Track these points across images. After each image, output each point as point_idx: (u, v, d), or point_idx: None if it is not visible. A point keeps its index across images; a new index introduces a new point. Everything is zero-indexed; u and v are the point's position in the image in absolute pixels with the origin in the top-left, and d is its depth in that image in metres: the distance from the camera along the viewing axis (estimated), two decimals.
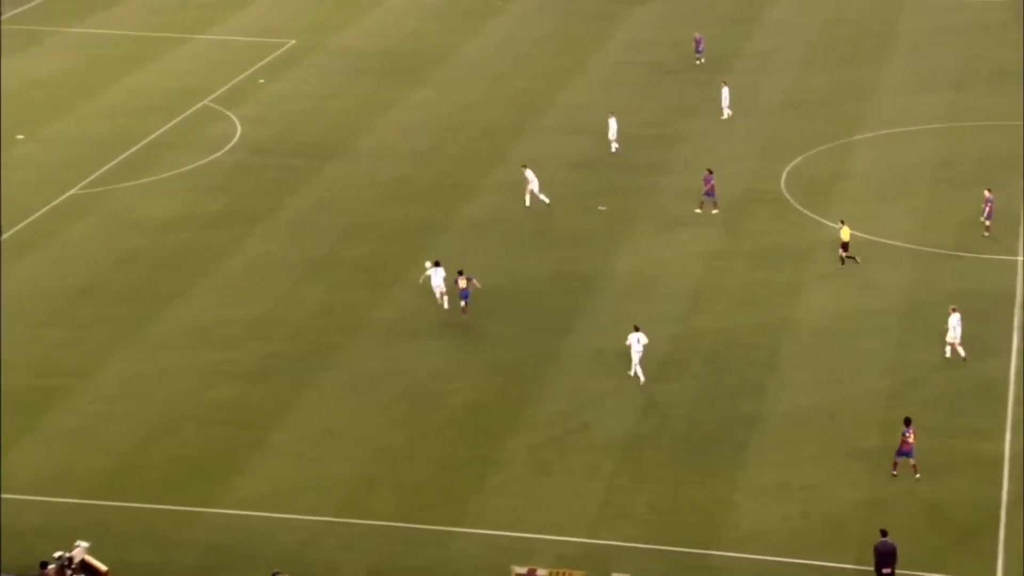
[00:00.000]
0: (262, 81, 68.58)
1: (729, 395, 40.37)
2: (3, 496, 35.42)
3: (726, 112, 62.82)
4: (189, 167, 57.52)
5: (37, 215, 52.29)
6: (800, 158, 58.16)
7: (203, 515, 35.08)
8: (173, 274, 47.80)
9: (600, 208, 53.12)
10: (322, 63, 71.79)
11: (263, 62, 71.59)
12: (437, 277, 45.06)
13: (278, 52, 73.30)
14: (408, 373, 41.64)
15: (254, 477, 36.56)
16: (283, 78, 69.19)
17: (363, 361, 42.37)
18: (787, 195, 54.29)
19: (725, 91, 63.11)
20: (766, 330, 43.91)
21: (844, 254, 47.25)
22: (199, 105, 64.93)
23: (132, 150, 58.99)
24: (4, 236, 50.32)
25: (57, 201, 53.71)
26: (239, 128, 62.03)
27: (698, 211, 52.19)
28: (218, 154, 58.99)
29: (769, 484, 36.20)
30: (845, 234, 47.30)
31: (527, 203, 52.90)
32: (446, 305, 45.08)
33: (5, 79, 68.60)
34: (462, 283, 44.57)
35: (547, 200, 53.16)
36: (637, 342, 40.82)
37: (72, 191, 54.72)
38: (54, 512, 35.09)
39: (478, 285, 44.84)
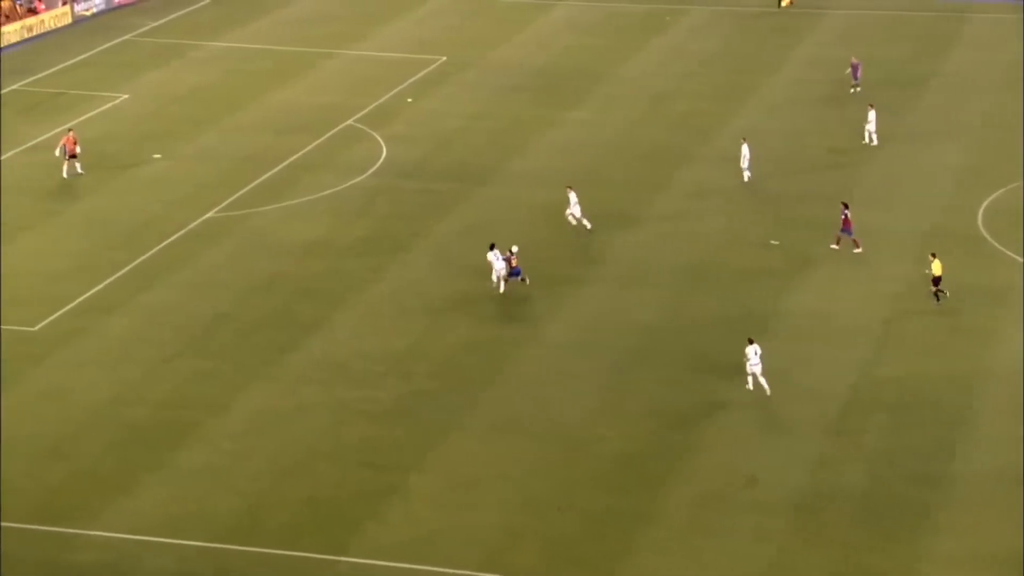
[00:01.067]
0: (410, 100, 69.20)
1: (914, 452, 39.06)
2: (126, 537, 35.87)
3: (871, 137, 61.61)
4: (331, 190, 58.19)
5: (172, 239, 53.34)
6: (1001, 191, 56.43)
7: (336, 564, 35.07)
8: (311, 303, 48.26)
9: (773, 242, 52.17)
10: (474, 80, 72.19)
11: (412, 79, 72.29)
12: (498, 262, 47.77)
13: (428, 69, 73.97)
14: (557, 416, 41.24)
15: (391, 524, 36.48)
16: (432, 96, 69.74)
17: (509, 402, 42.10)
18: (984, 232, 52.66)
19: (872, 115, 61.90)
20: (957, 381, 42.49)
21: (935, 289, 46.79)
22: (343, 124, 65.77)
23: (272, 171, 59.90)
24: (137, 261, 51.37)
25: (193, 224, 54.76)
26: (384, 149, 62.61)
27: (834, 247, 51.07)
28: (362, 176, 59.57)
29: (959, 553, 34.87)
30: (937, 268, 46.85)
31: (574, 222, 52.84)
32: (502, 288, 47.63)
33: (144, 93, 70.42)
34: (514, 262, 47.16)
35: (589, 225, 52.74)
36: (755, 354, 41.20)
37: (209, 214, 55.75)
38: (179, 556, 35.43)
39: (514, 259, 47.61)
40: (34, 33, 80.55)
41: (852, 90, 66.62)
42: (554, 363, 44.29)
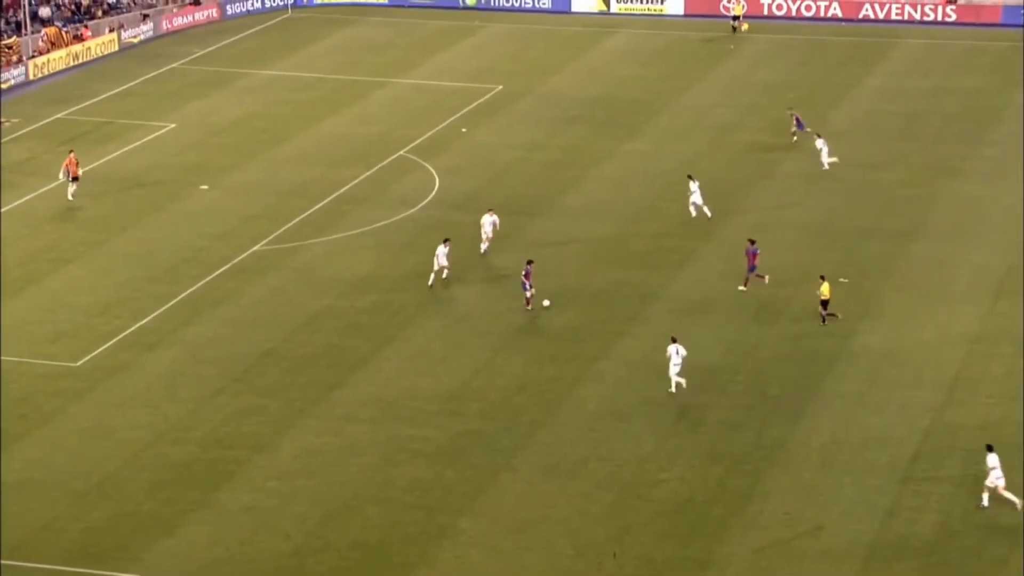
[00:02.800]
0: (464, 130, 69.54)
1: (990, 502, 38.61)
2: None
3: (825, 163, 62.03)
4: (381, 223, 58.52)
5: (218, 272, 53.78)
6: None
7: None
8: (359, 340, 48.50)
9: (842, 280, 51.93)
10: (529, 111, 72.49)
11: (466, 109, 72.69)
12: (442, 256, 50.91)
13: (483, 98, 74.35)
14: (613, 458, 41.17)
15: (441, 568, 36.49)
16: (487, 127, 70.08)
17: (564, 443, 42.08)
18: None
19: (819, 143, 62.43)
20: None
21: (824, 312, 48.14)
22: (395, 155, 66.20)
23: (321, 203, 60.33)
24: (182, 295, 51.84)
25: (239, 258, 55.21)
26: (437, 181, 62.93)
27: (742, 288, 50.94)
28: (413, 209, 59.89)
29: None
30: (825, 291, 47.91)
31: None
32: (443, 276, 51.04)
33: (191, 122, 71.21)
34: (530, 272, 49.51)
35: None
36: (676, 354, 42.93)
37: (256, 247, 56.22)
38: None
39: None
40: (80, 61, 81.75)
41: (795, 138, 64.78)
42: (610, 403, 44.25)
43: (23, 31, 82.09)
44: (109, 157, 66.33)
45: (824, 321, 48.45)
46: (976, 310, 49.27)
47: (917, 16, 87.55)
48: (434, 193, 61.58)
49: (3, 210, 60.13)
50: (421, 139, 68.22)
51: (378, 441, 42.20)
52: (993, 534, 37.25)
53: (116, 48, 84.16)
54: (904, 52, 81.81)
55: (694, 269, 53.72)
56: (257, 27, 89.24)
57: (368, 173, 63.99)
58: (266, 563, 36.63)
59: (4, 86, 76.48)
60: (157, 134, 69.77)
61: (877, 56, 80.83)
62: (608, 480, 40.07)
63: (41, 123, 71.61)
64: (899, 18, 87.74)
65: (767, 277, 51.40)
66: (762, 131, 68.89)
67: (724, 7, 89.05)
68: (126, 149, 67.63)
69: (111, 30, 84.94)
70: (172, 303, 51.23)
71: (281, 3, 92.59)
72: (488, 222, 54.50)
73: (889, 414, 43.25)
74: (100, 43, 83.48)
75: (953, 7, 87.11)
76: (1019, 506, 38.08)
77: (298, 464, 41.06)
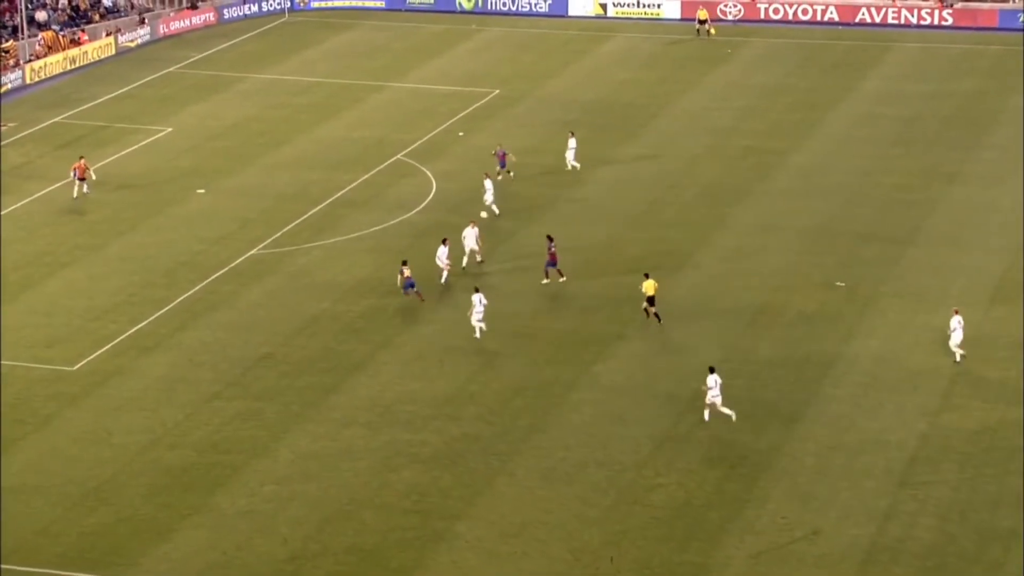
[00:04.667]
0: (461, 134, 69.56)
1: (987, 505, 38.65)
2: None
3: (571, 164, 62.80)
4: (378, 227, 58.53)
5: (214, 276, 53.77)
6: None
7: None
8: (356, 344, 48.49)
9: (838, 284, 51.97)
10: (526, 115, 72.52)
11: (463, 113, 72.71)
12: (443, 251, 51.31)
13: (480, 102, 74.38)
14: (610, 462, 41.17)
15: (438, 573, 36.46)
16: (484, 130, 70.09)
17: (561, 447, 42.07)
18: None
19: (572, 142, 62.93)
20: None
21: (652, 309, 48.71)
22: (392, 159, 66.21)
23: (318, 207, 60.33)
24: (179, 299, 51.83)
25: (236, 262, 55.20)
26: (434, 184, 62.94)
27: (545, 281, 51.93)
28: (410, 213, 59.89)
29: None
30: (649, 288, 48.46)
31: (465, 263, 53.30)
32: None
33: (187, 126, 71.21)
34: (407, 272, 49.76)
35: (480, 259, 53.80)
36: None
37: (252, 251, 56.21)
38: None
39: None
40: (77, 65, 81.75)
41: (499, 176, 61.73)
42: (607, 407, 44.25)
43: (20, 35, 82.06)
44: (106, 161, 66.30)
45: (648, 316, 48.82)
46: (972, 314, 49.28)
47: (914, 20, 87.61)
48: (431, 197, 61.59)
49: (1, 213, 60.13)
50: (418, 143, 68.24)
51: (375, 445, 42.19)
52: (990, 538, 37.26)
53: (113, 52, 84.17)
54: (901, 56, 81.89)
55: (690, 273, 53.73)
56: (254, 31, 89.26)
57: (365, 177, 64.00)
58: (263, 568, 36.62)
59: (1, 90, 76.45)
60: (154, 138, 69.78)
61: (873, 60, 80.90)
62: (605, 484, 40.07)
63: (38, 127, 71.61)
64: (895, 22, 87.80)
65: (563, 278, 51.97)
66: (759, 135, 68.92)
67: (721, 11, 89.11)
68: (123, 153, 67.63)
69: (108, 34, 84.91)
70: (169, 307, 51.23)
71: (278, 7, 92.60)
72: (471, 235, 53.41)
73: (885, 418, 43.26)
74: (97, 47, 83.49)
75: (950, 11, 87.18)
76: (734, 419, 41.96)
77: (295, 468, 41.05)
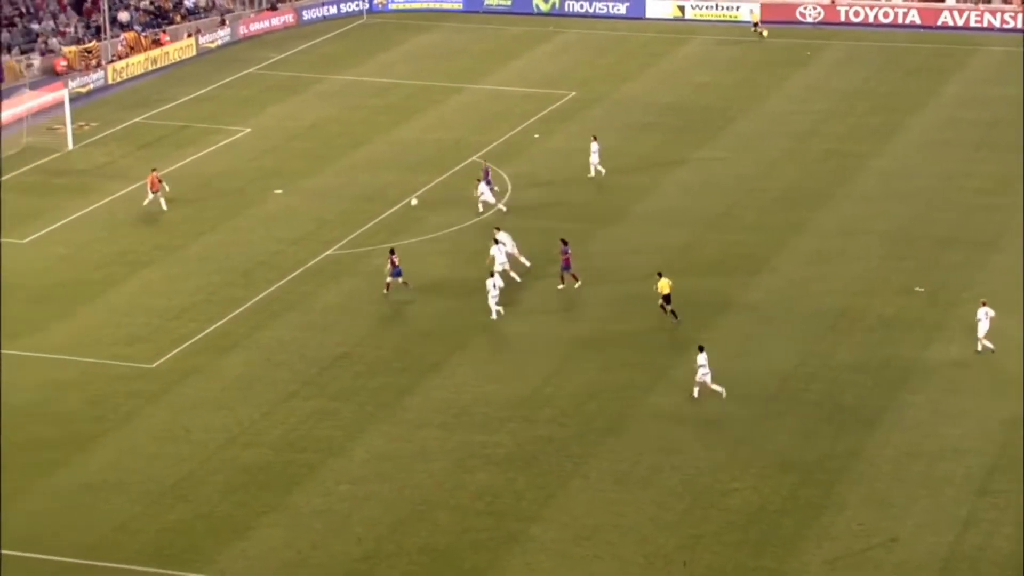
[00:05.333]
0: (537, 136, 69.62)
1: None
2: None
3: (595, 169, 62.26)
4: (454, 228, 58.69)
5: (291, 276, 54.19)
6: None
7: None
8: (432, 345, 48.65)
9: (918, 289, 51.48)
10: (603, 117, 72.43)
11: (540, 115, 72.76)
12: (500, 253, 50.99)
13: (556, 104, 74.39)
14: (685, 466, 41.03)
15: (511, 575, 36.52)
16: (560, 132, 70.11)
17: (635, 451, 41.99)
18: None
19: (594, 146, 62.42)
20: None
21: (668, 308, 49.05)
22: (468, 161, 66.39)
23: (394, 208, 60.59)
24: (256, 299, 52.28)
25: (313, 262, 55.58)
26: (509, 186, 63.03)
27: (561, 287, 51.55)
28: (486, 215, 60.00)
29: None
30: (664, 287, 48.87)
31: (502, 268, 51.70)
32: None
33: (266, 127, 71.80)
34: (396, 260, 50.20)
35: (528, 263, 52.95)
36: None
37: (329, 251, 56.58)
38: None
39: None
40: (159, 65, 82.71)
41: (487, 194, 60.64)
42: (682, 411, 44.10)
43: (103, 35, 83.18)
44: (185, 161, 67.05)
45: (663, 311, 49.06)
46: None
47: (996, 23, 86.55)
48: (507, 198, 61.68)
49: (83, 212, 60.98)
50: (494, 145, 68.36)
51: (449, 447, 42.33)
52: None
53: (194, 53, 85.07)
54: (983, 59, 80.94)
55: (769, 277, 53.42)
56: (333, 32, 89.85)
57: (441, 178, 64.21)
58: (337, 567, 36.86)
59: (84, 90, 77.53)
60: (233, 139, 70.44)
61: (956, 64, 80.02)
62: (680, 488, 39.94)
63: (119, 127, 72.52)
64: (978, 25, 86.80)
65: (579, 283, 51.67)
66: (839, 138, 68.41)
67: (800, 14, 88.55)
68: (202, 153, 68.34)
69: (189, 35, 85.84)
70: (246, 306, 51.69)
71: (357, 8, 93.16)
72: (509, 242, 52.71)
73: (966, 425, 42.79)
74: (178, 48, 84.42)
75: None
76: (724, 395, 43.34)
77: (370, 468, 41.28)
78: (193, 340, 49.07)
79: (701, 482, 40.19)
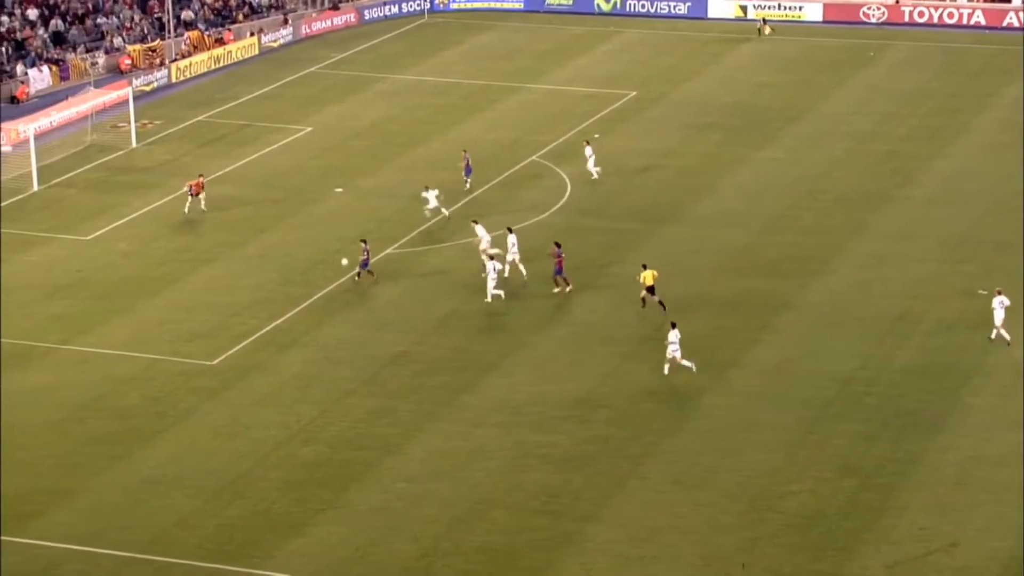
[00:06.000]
0: (597, 135, 69.47)
1: None
2: None
3: (593, 172, 61.63)
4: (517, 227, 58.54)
5: (351, 275, 54.31)
6: None
7: None
8: (488, 344, 48.66)
9: (980, 292, 50.93)
10: (663, 117, 72.20)
11: (599, 115, 72.61)
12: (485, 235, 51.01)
13: (616, 104, 74.22)
14: (742, 468, 40.79)
15: (568, 575, 36.45)
16: (620, 132, 69.93)
17: (693, 452, 41.79)
18: None
19: (588, 150, 61.78)
20: None
21: (657, 299, 49.16)
22: (527, 160, 66.34)
23: (453, 207, 60.60)
24: (315, 297, 52.47)
25: (372, 261, 55.62)
26: (569, 186, 62.92)
27: (556, 290, 51.23)
28: (544, 215, 59.94)
29: None
30: (648, 278, 49.14)
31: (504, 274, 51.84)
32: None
33: (327, 126, 72.07)
34: (368, 249, 51.05)
35: (525, 273, 52.16)
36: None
37: (388, 250, 56.69)
38: None
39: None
40: (221, 64, 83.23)
41: (466, 185, 61.11)
42: (741, 413, 43.86)
43: (167, 34, 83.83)
44: (247, 160, 67.44)
45: (652, 304, 49.24)
46: None
47: None
48: (565, 199, 61.58)
49: (145, 210, 61.45)
50: (553, 144, 68.28)
51: (506, 446, 42.30)
52: None
53: (256, 52, 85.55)
54: None
55: (827, 279, 53.03)
56: (394, 32, 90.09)
57: (500, 178, 64.20)
58: (394, 564, 36.92)
59: (147, 88, 78.16)
60: (294, 137, 70.76)
61: (1019, 65, 79.07)
62: (737, 490, 39.72)
63: (183, 125, 73.04)
64: None
65: (570, 287, 51.26)
66: (900, 140, 67.84)
67: (864, 14, 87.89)
68: (264, 152, 68.69)
69: (252, 34, 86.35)
70: (306, 305, 51.90)
71: (418, 8, 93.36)
72: (511, 241, 52.38)
73: None
74: (241, 47, 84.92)
75: None
76: (694, 370, 44.39)
77: (427, 467, 41.32)
78: (253, 337, 49.32)
79: (758, 484, 39.94)
